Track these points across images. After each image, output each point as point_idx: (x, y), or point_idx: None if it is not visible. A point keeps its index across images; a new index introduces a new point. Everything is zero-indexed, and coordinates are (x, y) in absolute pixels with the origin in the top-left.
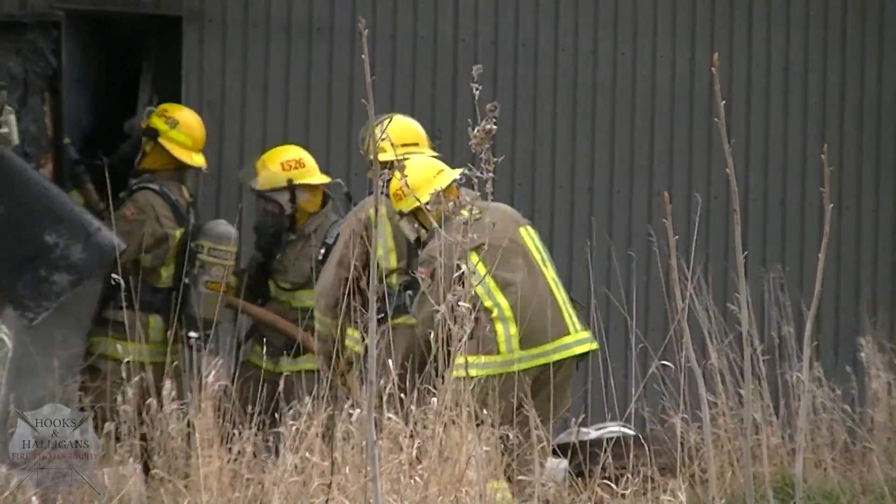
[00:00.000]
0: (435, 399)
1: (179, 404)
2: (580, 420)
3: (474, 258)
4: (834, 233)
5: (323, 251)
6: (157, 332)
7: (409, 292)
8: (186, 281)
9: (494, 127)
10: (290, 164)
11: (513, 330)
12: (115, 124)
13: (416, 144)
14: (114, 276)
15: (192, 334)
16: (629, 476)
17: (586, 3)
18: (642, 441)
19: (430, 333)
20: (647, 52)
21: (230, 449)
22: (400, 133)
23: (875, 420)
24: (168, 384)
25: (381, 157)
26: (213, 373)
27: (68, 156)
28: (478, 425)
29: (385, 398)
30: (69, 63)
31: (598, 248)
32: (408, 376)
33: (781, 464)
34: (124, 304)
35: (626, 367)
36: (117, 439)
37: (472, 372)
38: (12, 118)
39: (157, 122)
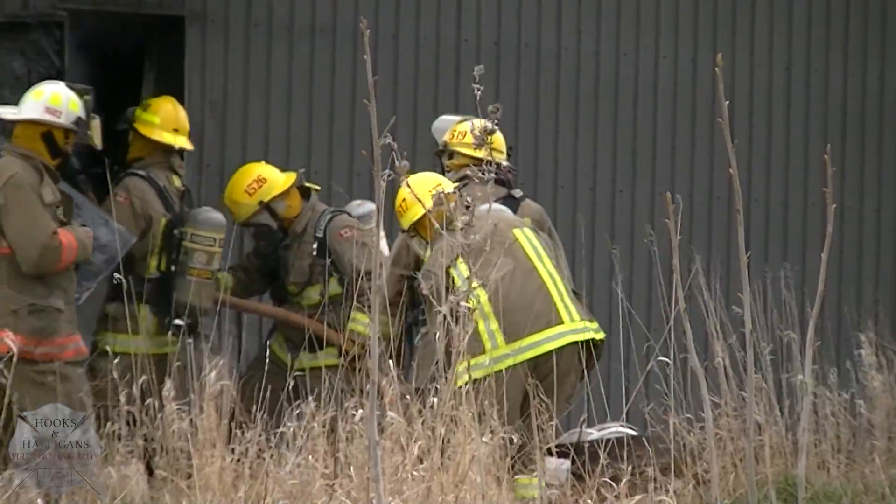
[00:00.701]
0: (436, 399)
1: (180, 404)
2: (582, 420)
3: (461, 263)
4: (836, 233)
5: (315, 245)
6: (150, 323)
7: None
8: (174, 268)
9: (495, 127)
10: (252, 187)
11: (493, 325)
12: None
13: (499, 152)
14: (116, 275)
15: (177, 322)
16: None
17: (589, 4)
18: (644, 441)
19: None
20: (649, 53)
21: (233, 449)
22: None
23: (875, 420)
24: (169, 384)
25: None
26: (213, 373)
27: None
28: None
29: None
30: (71, 63)
31: (599, 248)
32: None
33: (785, 464)
34: (113, 296)
35: (628, 366)
36: (119, 439)
37: (463, 378)
38: (96, 123)
39: (136, 112)
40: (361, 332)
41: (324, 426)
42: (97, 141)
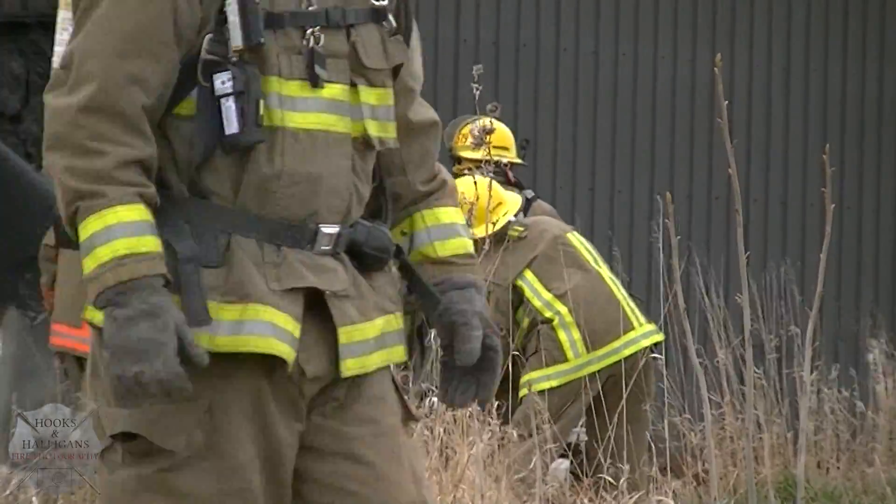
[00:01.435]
0: (436, 398)
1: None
2: (582, 421)
3: (529, 275)
4: (835, 233)
5: None
6: None
7: None
8: None
9: (494, 128)
10: None
11: (576, 335)
12: None
13: (506, 149)
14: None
15: None
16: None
17: (588, 4)
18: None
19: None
20: (648, 53)
21: None
22: (497, 135)
23: (876, 420)
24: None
25: (471, 155)
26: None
27: None
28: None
29: None
30: None
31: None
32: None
33: (784, 464)
34: None
35: None
36: None
37: (543, 385)
38: None
39: None
40: None
41: None
42: None
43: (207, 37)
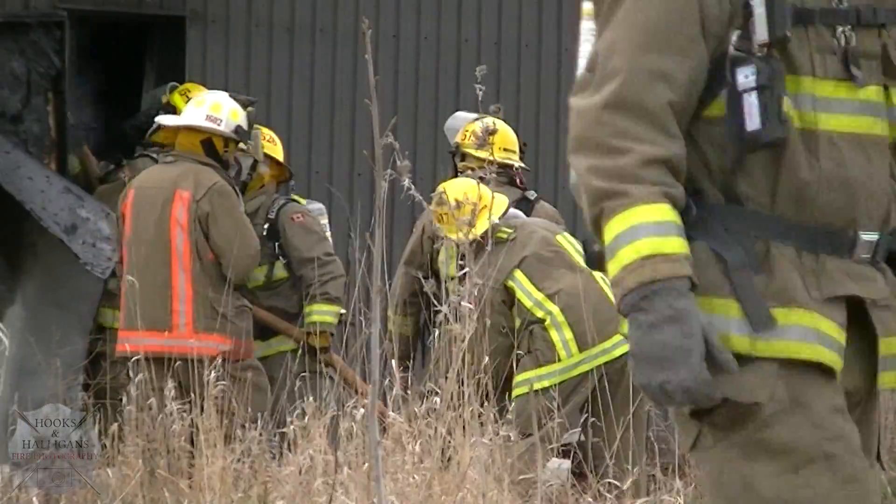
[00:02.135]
0: (438, 399)
1: (181, 403)
2: (583, 420)
3: (519, 275)
4: None
5: (266, 227)
6: None
7: None
8: None
9: (497, 128)
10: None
11: (568, 334)
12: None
13: (513, 151)
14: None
15: None
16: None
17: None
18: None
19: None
20: None
21: (233, 449)
22: (501, 137)
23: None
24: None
25: (474, 152)
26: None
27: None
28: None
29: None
30: (71, 63)
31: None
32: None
33: None
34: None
35: None
36: (120, 439)
37: (536, 385)
38: (257, 134)
39: (178, 101)
40: (319, 320)
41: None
42: (258, 153)
43: (736, 32)
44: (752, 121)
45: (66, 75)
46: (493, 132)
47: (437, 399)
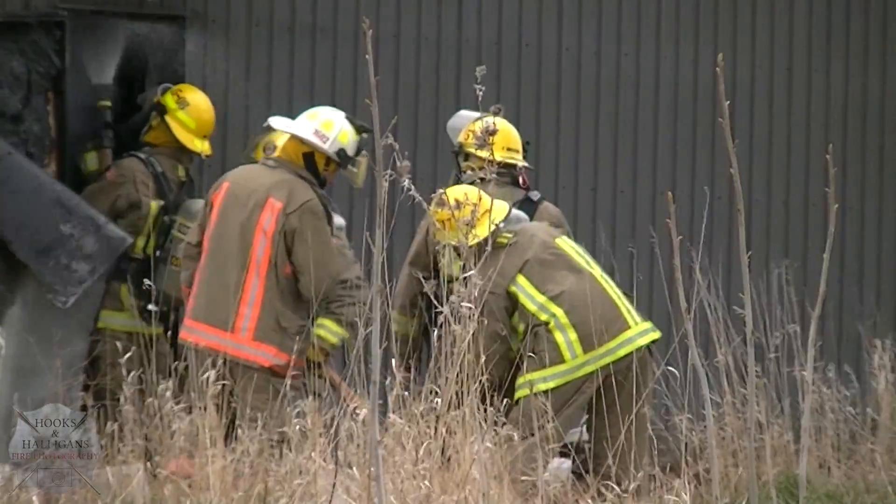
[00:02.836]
0: (439, 399)
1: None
2: (584, 420)
3: (521, 280)
4: (838, 233)
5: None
6: (131, 301)
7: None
8: (158, 254)
9: (497, 128)
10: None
11: (572, 336)
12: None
13: (516, 151)
14: (150, 306)
15: (151, 307)
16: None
17: (590, 3)
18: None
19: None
20: (650, 53)
21: (233, 448)
22: (503, 137)
23: (878, 420)
24: (169, 383)
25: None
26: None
27: (103, 118)
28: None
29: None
30: (72, 63)
31: (600, 248)
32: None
33: (786, 463)
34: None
35: None
36: (120, 439)
37: (541, 387)
38: (363, 161)
39: (168, 100)
40: (324, 337)
41: (325, 426)
42: (359, 181)
43: None
44: None
45: (66, 75)
46: (493, 132)
47: (438, 400)
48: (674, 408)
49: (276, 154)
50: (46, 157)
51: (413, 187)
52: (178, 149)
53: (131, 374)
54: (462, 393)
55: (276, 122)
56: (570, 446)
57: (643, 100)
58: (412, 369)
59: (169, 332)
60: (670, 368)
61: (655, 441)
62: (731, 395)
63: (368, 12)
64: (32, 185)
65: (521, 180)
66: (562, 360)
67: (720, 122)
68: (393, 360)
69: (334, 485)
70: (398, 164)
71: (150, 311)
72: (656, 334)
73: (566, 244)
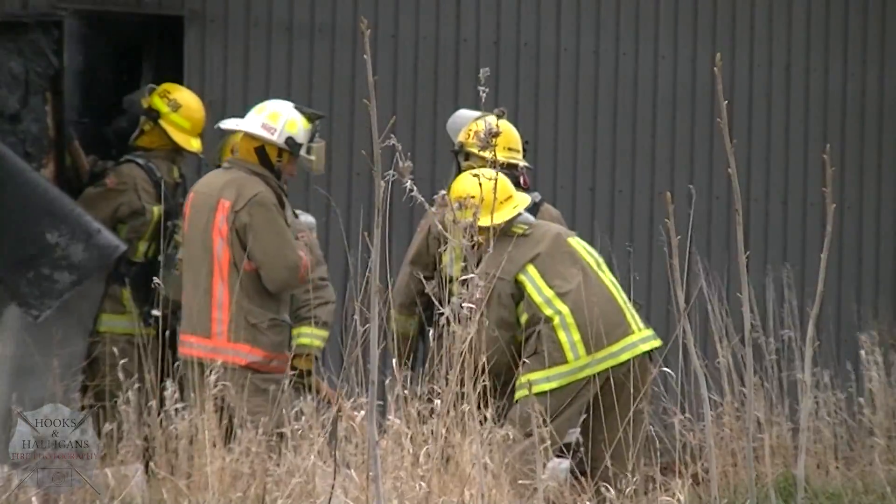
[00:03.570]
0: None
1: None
2: (582, 420)
3: (531, 269)
4: (836, 233)
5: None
6: (133, 305)
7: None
8: (160, 259)
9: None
10: None
11: (576, 336)
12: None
13: (517, 151)
14: (154, 312)
15: (154, 312)
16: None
17: (588, 4)
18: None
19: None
20: (648, 52)
21: (232, 449)
22: (504, 137)
23: (875, 419)
24: (169, 383)
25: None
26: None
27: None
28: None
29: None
30: (70, 63)
31: (600, 247)
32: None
33: (784, 464)
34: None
35: None
36: (119, 439)
37: (543, 387)
38: (319, 147)
39: (159, 104)
40: (308, 343)
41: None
42: (317, 167)
43: None
44: None
45: (64, 75)
46: (496, 133)
47: (438, 401)
48: (672, 408)
49: (235, 155)
50: (44, 157)
51: (415, 188)
52: (172, 150)
53: (131, 375)
54: (462, 394)
55: (225, 123)
56: (563, 449)
57: (642, 99)
58: (411, 369)
59: (167, 334)
60: (666, 370)
61: (656, 441)
62: (731, 395)
63: (367, 12)
64: (24, 192)
65: (521, 180)
66: (564, 361)
67: (718, 122)
68: (394, 360)
69: (333, 485)
70: (400, 164)
71: (153, 316)
72: (658, 342)
73: (579, 245)
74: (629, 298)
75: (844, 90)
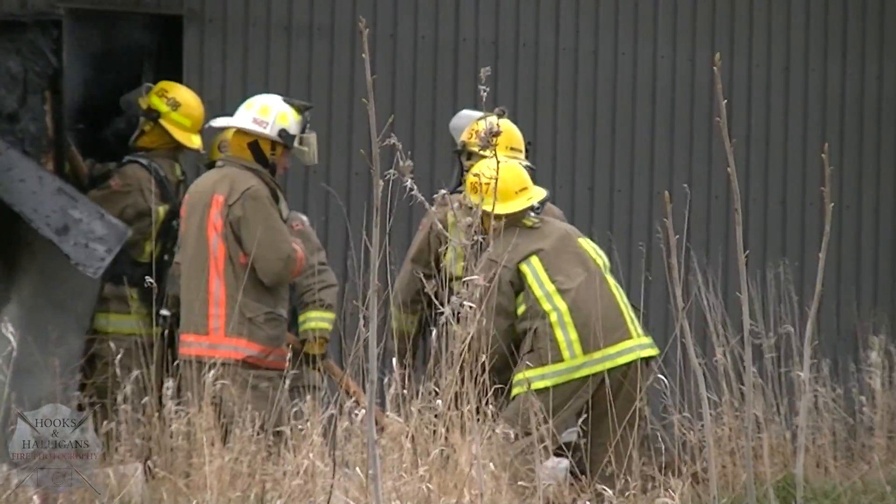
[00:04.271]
0: (439, 401)
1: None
2: (581, 420)
3: (535, 261)
4: (834, 232)
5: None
6: (139, 305)
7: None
8: (166, 258)
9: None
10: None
11: (573, 335)
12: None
13: (518, 150)
14: (147, 278)
15: (163, 312)
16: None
17: (587, 3)
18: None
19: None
20: (647, 52)
21: (231, 448)
22: (507, 136)
23: (874, 418)
24: (169, 382)
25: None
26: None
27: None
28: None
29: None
30: (69, 63)
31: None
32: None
33: (784, 463)
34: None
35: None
36: (117, 438)
37: (538, 385)
38: (311, 138)
39: (158, 103)
40: (316, 327)
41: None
42: (310, 157)
43: None
44: None
45: (63, 74)
46: (497, 133)
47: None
48: (671, 407)
49: (228, 152)
50: (43, 156)
51: (415, 187)
52: (173, 149)
53: (132, 374)
54: (461, 394)
55: (217, 121)
56: (563, 448)
57: (640, 99)
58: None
59: (165, 332)
60: (661, 377)
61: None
62: (730, 394)
63: (365, 12)
64: (37, 174)
65: None
66: (560, 359)
67: (717, 122)
68: (393, 360)
69: (332, 485)
70: (400, 163)
71: (162, 316)
72: (655, 351)
73: (589, 245)
74: (629, 302)
75: (843, 90)
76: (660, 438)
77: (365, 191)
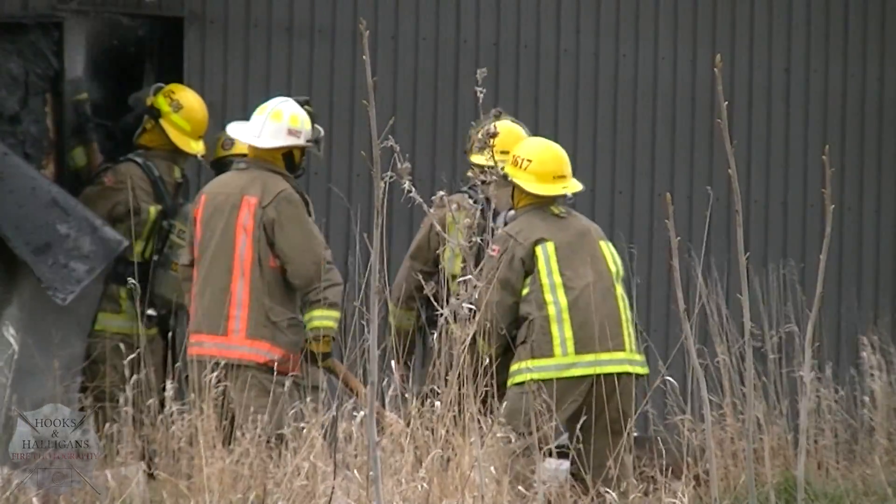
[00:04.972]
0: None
1: (180, 405)
2: (582, 420)
3: (550, 247)
4: (836, 234)
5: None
6: (129, 304)
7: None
8: (156, 258)
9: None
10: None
11: (568, 333)
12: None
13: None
14: (150, 311)
15: (150, 312)
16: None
17: (588, 5)
18: (645, 442)
19: (501, 327)
20: (648, 54)
21: (232, 450)
22: (506, 139)
23: (875, 420)
24: (169, 384)
25: (477, 159)
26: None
27: (82, 111)
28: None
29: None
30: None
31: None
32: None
33: (785, 464)
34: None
35: None
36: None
37: (526, 377)
38: (321, 132)
39: (161, 103)
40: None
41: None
42: (319, 155)
43: None
44: None
45: (64, 76)
46: (493, 135)
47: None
48: (674, 409)
49: (248, 156)
50: (44, 158)
51: (414, 189)
52: (173, 150)
53: (132, 376)
54: (461, 395)
55: (261, 142)
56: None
57: (641, 101)
58: (409, 367)
59: (170, 335)
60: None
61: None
62: (731, 395)
63: (366, 13)
64: (30, 185)
65: None
66: (551, 354)
67: (718, 123)
68: (392, 362)
69: (333, 487)
70: (398, 165)
71: (148, 316)
72: (645, 370)
73: (608, 250)
74: (632, 318)
75: (844, 91)
76: (659, 440)
77: (366, 192)
